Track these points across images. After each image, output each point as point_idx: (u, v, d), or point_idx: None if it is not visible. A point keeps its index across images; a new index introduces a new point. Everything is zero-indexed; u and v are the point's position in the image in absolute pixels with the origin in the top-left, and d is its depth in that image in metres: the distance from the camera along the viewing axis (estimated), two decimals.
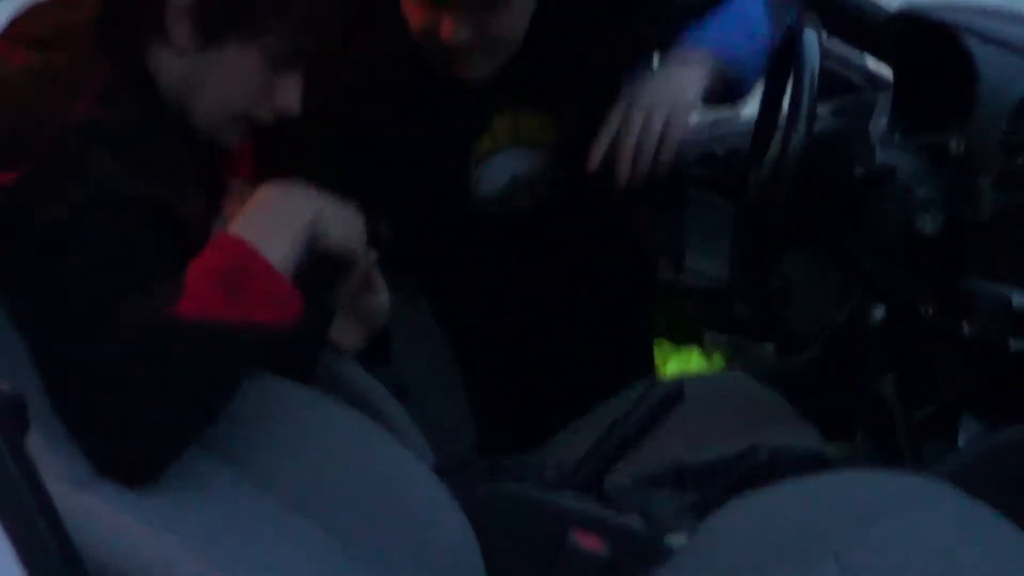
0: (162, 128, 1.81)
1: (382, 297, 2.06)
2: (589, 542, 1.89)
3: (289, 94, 1.91)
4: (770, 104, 2.65)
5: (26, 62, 1.82)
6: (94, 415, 1.62)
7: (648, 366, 2.48)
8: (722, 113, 3.06)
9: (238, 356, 1.70)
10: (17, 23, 1.92)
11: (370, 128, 2.36)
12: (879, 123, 2.49)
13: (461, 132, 2.42)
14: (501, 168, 2.46)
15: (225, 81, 1.86)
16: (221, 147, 1.96)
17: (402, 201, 2.41)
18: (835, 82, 2.80)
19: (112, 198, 1.68)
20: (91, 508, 1.49)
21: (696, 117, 2.53)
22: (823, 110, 2.54)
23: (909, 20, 2.41)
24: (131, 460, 1.62)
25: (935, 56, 2.33)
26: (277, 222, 1.79)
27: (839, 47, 2.92)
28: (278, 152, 2.19)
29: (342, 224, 1.86)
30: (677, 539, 1.97)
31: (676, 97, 2.29)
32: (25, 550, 1.26)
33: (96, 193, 1.67)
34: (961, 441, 2.28)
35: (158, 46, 1.84)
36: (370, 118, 2.35)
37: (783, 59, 2.54)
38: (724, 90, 2.38)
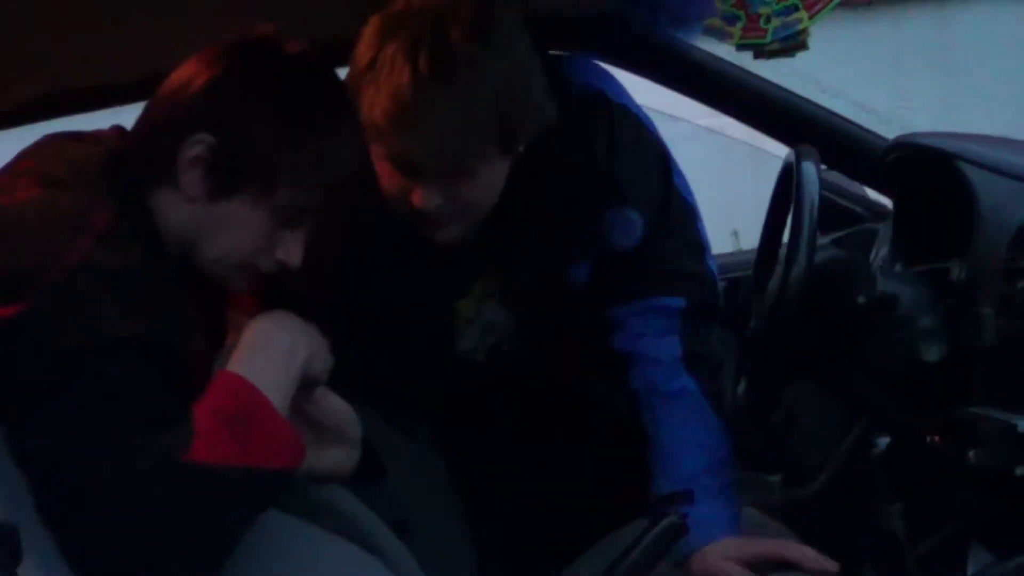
0: (162, 268, 1.82)
1: (330, 401, 2.03)
2: None
3: (292, 249, 1.94)
4: (771, 235, 2.65)
5: (31, 196, 1.83)
6: (102, 556, 1.61)
7: (645, 495, 2.47)
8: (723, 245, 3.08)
9: (251, 500, 1.72)
10: (27, 156, 1.94)
11: (361, 277, 2.38)
12: (880, 252, 2.50)
13: (444, 291, 2.44)
14: (480, 325, 2.49)
15: (231, 232, 1.89)
16: (226, 291, 1.98)
17: (391, 345, 2.43)
18: (835, 213, 2.81)
19: (113, 339, 1.69)
20: None
21: None
22: (824, 241, 2.55)
23: (906, 149, 2.42)
24: None
25: (934, 184, 2.33)
26: (278, 361, 1.81)
27: (839, 178, 2.94)
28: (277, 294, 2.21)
29: (326, 357, 1.90)
30: None
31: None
32: None
33: (98, 334, 1.69)
34: (970, 572, 2.25)
35: (167, 192, 1.86)
36: (360, 268, 2.39)
37: (783, 191, 2.55)
38: None
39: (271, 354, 1.81)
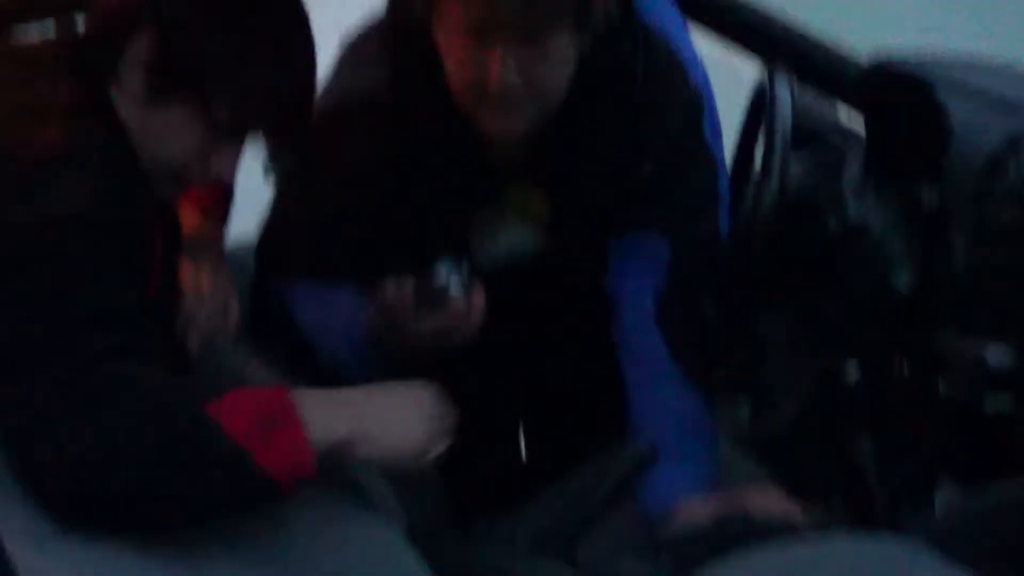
0: (124, 152, 1.83)
1: None
2: None
3: (225, 164, 1.92)
4: (742, 159, 2.63)
5: None
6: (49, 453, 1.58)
7: (623, 430, 2.46)
8: None
9: (235, 483, 1.67)
10: None
11: (387, 175, 2.34)
12: (852, 177, 2.48)
13: (472, 202, 2.40)
14: (502, 240, 2.45)
15: (166, 136, 1.87)
16: (159, 195, 1.95)
17: (400, 250, 2.38)
18: (807, 136, 2.79)
19: (88, 222, 1.70)
20: (51, 567, 1.48)
21: None
22: (795, 164, 2.53)
23: (881, 72, 2.41)
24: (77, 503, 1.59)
25: (908, 108, 2.32)
26: (349, 413, 1.78)
27: (812, 101, 2.91)
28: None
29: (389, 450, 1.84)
30: None
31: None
32: None
33: (74, 217, 1.69)
34: (938, 503, 2.26)
35: (116, 88, 1.86)
36: (390, 166, 2.33)
37: (756, 114, 2.53)
38: None
39: (348, 406, 1.79)
